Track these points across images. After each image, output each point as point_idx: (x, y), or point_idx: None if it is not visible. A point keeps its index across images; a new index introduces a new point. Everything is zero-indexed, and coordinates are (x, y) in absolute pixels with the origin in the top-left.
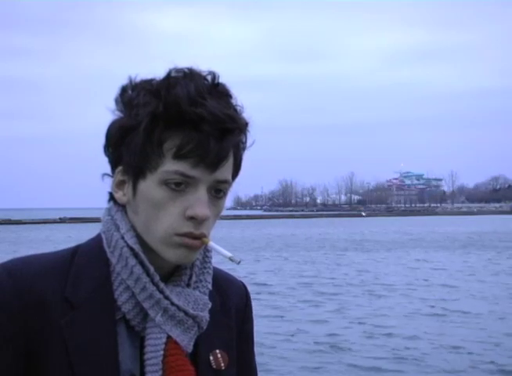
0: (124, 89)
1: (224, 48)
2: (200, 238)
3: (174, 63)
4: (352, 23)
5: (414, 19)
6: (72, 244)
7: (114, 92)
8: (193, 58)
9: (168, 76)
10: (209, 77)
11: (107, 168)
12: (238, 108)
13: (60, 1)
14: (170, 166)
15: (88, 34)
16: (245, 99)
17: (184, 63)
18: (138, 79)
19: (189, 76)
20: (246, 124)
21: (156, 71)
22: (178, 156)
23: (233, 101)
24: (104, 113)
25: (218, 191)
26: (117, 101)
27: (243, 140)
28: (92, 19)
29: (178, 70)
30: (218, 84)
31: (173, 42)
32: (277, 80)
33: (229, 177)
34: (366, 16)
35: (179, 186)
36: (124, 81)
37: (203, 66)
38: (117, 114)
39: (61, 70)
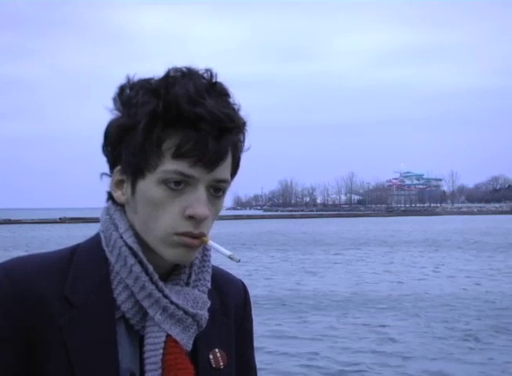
0: (122, 88)
1: (212, 47)
2: (200, 237)
3: (171, 62)
4: (346, 23)
5: (412, 18)
6: (72, 243)
7: (107, 91)
8: (180, 57)
9: (167, 75)
10: (207, 76)
11: (106, 168)
12: (236, 107)
13: (54, 2)
14: (169, 165)
15: (78, 34)
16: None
17: (168, 62)
18: (136, 78)
19: (188, 75)
20: (245, 123)
21: (146, 70)
22: (177, 155)
23: (231, 100)
24: (100, 112)
25: (216, 190)
26: (115, 100)
27: (242, 139)
28: (82, 19)
29: (176, 70)
30: (216, 83)
31: (161, 42)
32: (269, 80)
33: (228, 176)
34: (365, 15)
35: (178, 185)
36: (121, 80)
37: (192, 65)
38: (115, 113)
39: (54, 69)
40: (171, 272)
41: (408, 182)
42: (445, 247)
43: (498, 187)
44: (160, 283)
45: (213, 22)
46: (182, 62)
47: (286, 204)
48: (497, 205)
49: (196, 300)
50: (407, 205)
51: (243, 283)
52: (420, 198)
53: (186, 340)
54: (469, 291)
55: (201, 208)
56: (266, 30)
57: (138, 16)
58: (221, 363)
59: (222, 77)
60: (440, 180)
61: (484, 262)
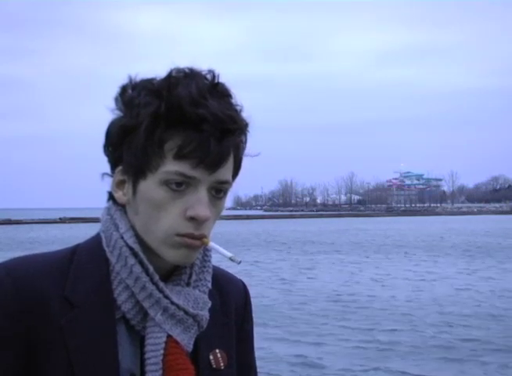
0: (124, 88)
1: (211, 47)
2: (200, 239)
3: (173, 63)
4: (346, 23)
5: (412, 18)
6: (71, 243)
7: (107, 91)
8: (179, 57)
9: (169, 76)
10: (209, 77)
11: (106, 168)
12: (238, 108)
13: (54, 2)
14: (170, 166)
15: (78, 34)
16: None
17: (170, 62)
18: (138, 78)
19: (190, 76)
20: (247, 124)
21: (146, 70)
22: (179, 156)
23: (234, 101)
24: (100, 112)
25: (218, 191)
26: (116, 100)
27: (244, 141)
28: (81, 19)
29: (178, 70)
30: (219, 83)
31: (159, 42)
32: (269, 80)
33: (230, 177)
34: (365, 15)
35: (180, 186)
36: (121, 80)
37: (194, 65)
38: (117, 113)
39: (54, 69)
40: (171, 273)
41: (408, 182)
42: (441, 249)
43: (498, 187)
44: (161, 284)
45: (212, 22)
46: (181, 62)
47: (286, 204)
48: (497, 205)
49: (197, 300)
50: (407, 205)
51: (243, 283)
52: (420, 198)
53: (187, 340)
54: (462, 294)
55: (202, 209)
56: (266, 30)
57: (136, 16)
58: (222, 364)
59: (224, 77)
60: (440, 180)
61: (479, 266)
